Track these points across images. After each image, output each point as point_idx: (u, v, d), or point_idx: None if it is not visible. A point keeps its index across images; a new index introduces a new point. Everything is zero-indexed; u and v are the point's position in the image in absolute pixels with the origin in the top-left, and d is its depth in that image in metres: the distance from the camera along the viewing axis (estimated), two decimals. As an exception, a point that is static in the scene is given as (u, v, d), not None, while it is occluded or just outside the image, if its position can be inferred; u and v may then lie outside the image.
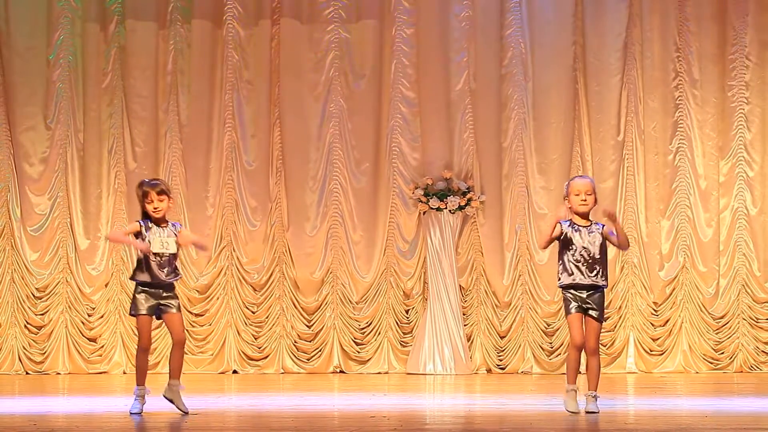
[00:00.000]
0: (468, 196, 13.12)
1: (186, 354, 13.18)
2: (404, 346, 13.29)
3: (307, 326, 13.34)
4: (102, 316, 13.27)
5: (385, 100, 13.43)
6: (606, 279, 8.72)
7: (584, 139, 13.33)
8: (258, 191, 13.42)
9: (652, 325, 13.24)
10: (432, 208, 13.11)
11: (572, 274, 8.66)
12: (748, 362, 13.16)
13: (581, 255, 8.66)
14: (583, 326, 8.68)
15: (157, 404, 9.13)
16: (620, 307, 13.23)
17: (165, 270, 8.73)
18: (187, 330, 13.26)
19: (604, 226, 8.74)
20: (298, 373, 13.21)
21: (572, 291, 8.67)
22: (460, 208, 13.11)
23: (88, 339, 13.23)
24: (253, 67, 13.44)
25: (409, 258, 13.36)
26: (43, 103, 13.34)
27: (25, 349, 13.20)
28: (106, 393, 10.90)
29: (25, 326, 13.23)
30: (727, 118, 13.32)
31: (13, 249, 13.26)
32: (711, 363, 13.17)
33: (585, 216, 8.72)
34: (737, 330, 13.20)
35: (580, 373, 8.78)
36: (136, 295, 8.77)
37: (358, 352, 13.31)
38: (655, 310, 13.26)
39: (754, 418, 8.36)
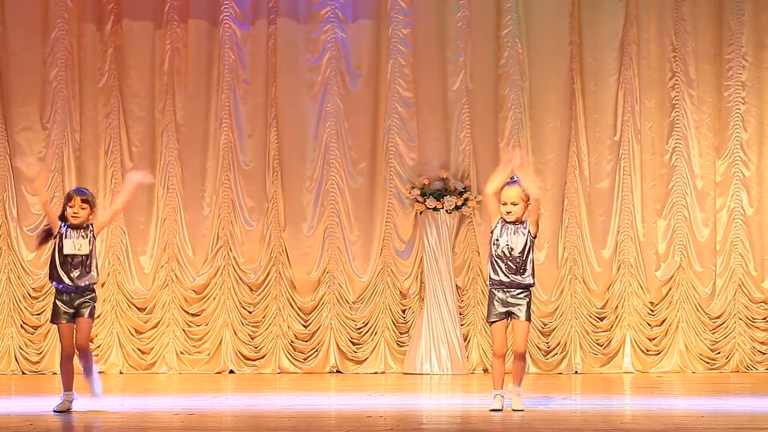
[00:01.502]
0: (465, 195, 13.12)
1: (183, 354, 13.26)
2: (401, 346, 13.29)
3: (304, 326, 13.34)
4: (98, 317, 13.24)
5: (381, 100, 13.43)
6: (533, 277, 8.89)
7: (581, 139, 13.33)
8: (255, 191, 13.42)
9: (649, 324, 13.25)
10: (429, 208, 13.11)
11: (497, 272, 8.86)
12: (745, 362, 13.17)
13: (503, 252, 8.79)
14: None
15: (156, 404, 9.15)
16: (617, 307, 13.24)
17: (78, 271, 8.98)
18: (184, 330, 13.28)
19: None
20: (295, 373, 13.21)
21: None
22: (457, 207, 13.12)
23: (84, 339, 13.20)
24: (250, 66, 13.44)
25: (406, 258, 13.37)
26: (39, 102, 13.33)
27: (21, 348, 13.20)
28: (102, 393, 10.86)
29: (22, 326, 13.22)
30: (724, 118, 13.33)
31: (9, 249, 13.25)
32: (707, 363, 13.18)
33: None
34: (734, 330, 13.21)
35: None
36: (56, 302, 9.06)
37: (355, 352, 13.31)
38: (651, 310, 13.27)
39: (750, 417, 8.36)
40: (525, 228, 8.88)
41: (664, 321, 13.26)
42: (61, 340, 9.18)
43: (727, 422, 8.03)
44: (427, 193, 13.12)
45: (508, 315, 8.85)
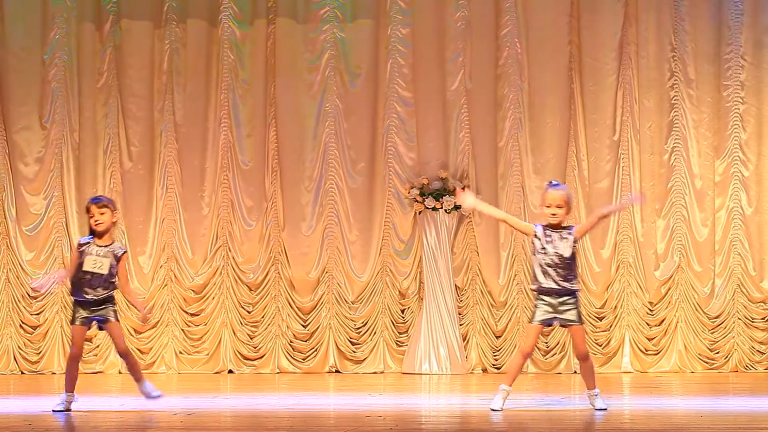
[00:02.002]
0: (464, 195, 13.10)
1: (182, 353, 13.26)
2: (400, 346, 13.29)
3: (303, 326, 13.34)
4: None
5: (380, 100, 13.43)
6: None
7: (580, 139, 13.33)
8: (254, 191, 13.42)
9: (648, 324, 13.25)
10: (428, 208, 13.11)
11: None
12: (744, 362, 13.17)
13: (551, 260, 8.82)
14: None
15: (155, 404, 9.14)
16: (616, 307, 13.24)
17: (97, 286, 8.95)
18: (183, 330, 13.29)
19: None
20: (294, 372, 13.20)
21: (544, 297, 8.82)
22: (456, 207, 13.11)
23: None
24: (249, 66, 13.44)
25: (405, 258, 13.36)
26: (38, 102, 13.34)
27: (20, 348, 13.20)
28: (101, 393, 10.89)
29: (21, 326, 13.22)
30: (723, 118, 13.33)
31: (9, 249, 13.25)
32: (706, 362, 13.18)
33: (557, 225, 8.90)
34: (732, 330, 13.20)
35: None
36: (74, 306, 9.05)
37: (354, 352, 13.30)
38: (650, 310, 13.27)
39: (749, 417, 8.36)
40: (570, 233, 8.85)
41: (663, 321, 13.26)
42: (71, 341, 9.18)
43: (726, 422, 8.03)
44: (426, 193, 13.12)
45: (551, 321, 8.83)
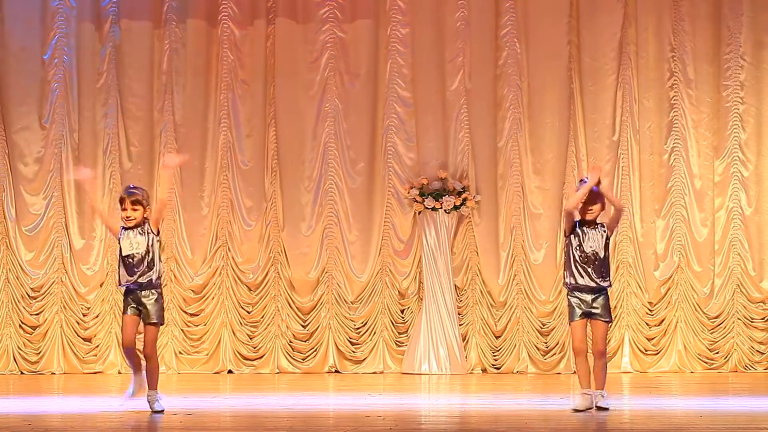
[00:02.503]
0: (463, 196, 13.12)
1: (181, 354, 13.25)
2: (399, 346, 13.28)
3: (303, 326, 13.34)
4: (97, 316, 13.26)
5: (380, 100, 13.43)
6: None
7: (579, 139, 13.33)
8: (253, 191, 13.42)
9: (647, 324, 13.25)
10: (427, 208, 13.11)
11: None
12: (743, 362, 13.17)
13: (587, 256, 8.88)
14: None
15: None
16: (615, 307, 13.23)
17: (138, 270, 8.91)
18: (182, 330, 13.28)
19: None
20: (294, 372, 13.20)
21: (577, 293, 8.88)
22: (456, 207, 13.11)
23: (83, 339, 13.22)
24: (249, 66, 13.44)
25: (405, 258, 13.36)
26: (37, 102, 13.33)
27: (20, 349, 13.19)
28: (101, 393, 10.89)
29: (20, 326, 13.22)
30: (722, 118, 13.33)
31: (8, 249, 13.25)
32: (706, 362, 13.18)
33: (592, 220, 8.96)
34: (732, 330, 13.21)
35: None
36: (124, 297, 9.04)
37: (354, 352, 13.30)
38: (650, 310, 13.27)
39: (749, 417, 8.36)
40: (603, 229, 8.92)
41: (662, 321, 13.26)
42: (122, 331, 9.12)
43: (726, 422, 8.03)
44: (425, 193, 13.12)
45: (588, 315, 8.87)
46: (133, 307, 8.93)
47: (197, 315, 13.32)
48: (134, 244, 8.91)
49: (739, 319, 13.20)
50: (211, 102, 13.41)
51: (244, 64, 13.43)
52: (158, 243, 9.00)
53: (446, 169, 13.26)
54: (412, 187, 13.20)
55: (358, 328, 13.32)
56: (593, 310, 8.87)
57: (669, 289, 13.26)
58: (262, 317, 13.32)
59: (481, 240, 13.30)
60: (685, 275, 13.25)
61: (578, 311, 8.86)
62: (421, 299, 13.19)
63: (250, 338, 13.29)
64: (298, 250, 13.37)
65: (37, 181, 13.33)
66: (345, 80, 13.44)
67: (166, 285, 13.31)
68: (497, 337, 13.27)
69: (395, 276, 13.36)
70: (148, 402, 8.87)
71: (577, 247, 8.91)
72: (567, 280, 8.95)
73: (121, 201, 9.01)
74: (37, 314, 13.23)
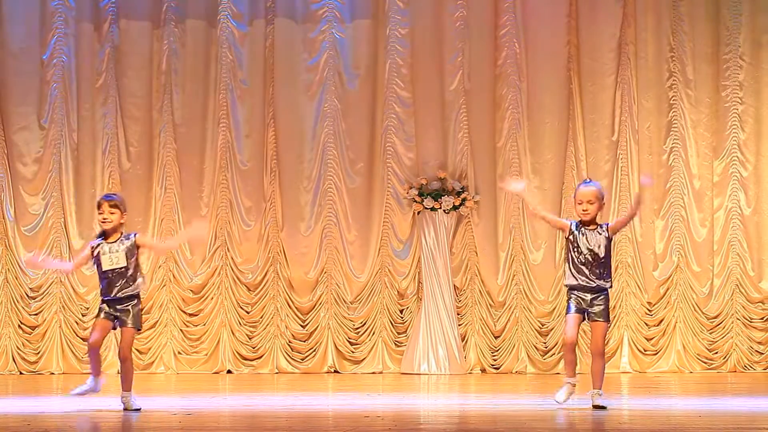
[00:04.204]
0: (462, 196, 13.12)
1: (180, 354, 13.25)
2: (398, 346, 13.29)
3: (302, 326, 13.34)
4: (96, 317, 13.24)
5: (379, 100, 13.43)
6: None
7: (578, 139, 13.34)
8: (252, 191, 13.42)
9: (646, 324, 13.26)
10: (426, 208, 13.11)
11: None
12: (742, 362, 13.17)
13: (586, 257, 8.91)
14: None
15: (154, 404, 9.13)
16: (614, 307, 13.23)
17: (118, 285, 8.93)
18: (181, 330, 13.28)
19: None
20: (293, 373, 13.21)
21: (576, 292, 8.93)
22: (455, 208, 13.12)
23: (82, 339, 13.22)
24: (248, 66, 13.44)
25: (404, 258, 13.37)
26: (37, 102, 13.34)
27: (18, 349, 13.19)
28: (100, 393, 10.87)
29: (19, 326, 13.22)
30: (721, 118, 13.34)
31: (7, 249, 13.25)
32: (705, 363, 13.18)
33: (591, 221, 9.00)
34: (731, 330, 13.21)
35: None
36: (101, 303, 9.07)
37: (353, 352, 13.30)
38: (649, 310, 13.27)
39: (748, 417, 8.37)
40: (603, 230, 8.94)
41: (661, 321, 13.27)
42: (91, 331, 9.12)
43: (725, 422, 8.03)
44: (424, 193, 13.13)
45: (585, 314, 8.94)
46: (107, 312, 8.98)
47: (196, 315, 13.32)
48: (113, 258, 8.93)
49: (738, 319, 13.21)
50: (210, 102, 13.41)
51: (244, 65, 13.43)
52: (137, 250, 8.97)
53: (445, 169, 13.27)
54: (411, 187, 13.21)
55: (357, 328, 13.32)
56: (591, 310, 8.90)
57: (668, 289, 13.27)
58: (261, 317, 13.32)
59: (480, 240, 13.30)
60: (684, 275, 13.25)
61: (573, 307, 8.93)
62: (420, 299, 13.19)
63: (249, 338, 13.29)
64: (297, 250, 13.37)
65: (36, 181, 13.33)
66: (344, 80, 13.45)
67: (165, 285, 13.32)
68: (496, 337, 13.27)
69: (394, 276, 13.36)
70: (123, 403, 8.91)
71: (575, 248, 8.94)
72: (565, 281, 9.01)
73: (99, 205, 9.07)
74: (36, 314, 13.23)
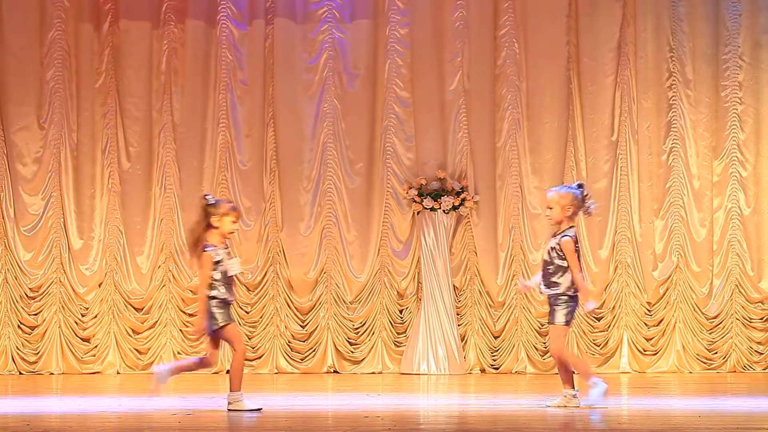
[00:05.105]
0: (462, 196, 13.12)
1: (180, 354, 13.25)
2: (398, 346, 13.29)
3: (301, 326, 13.34)
4: (95, 317, 13.26)
5: (379, 100, 13.43)
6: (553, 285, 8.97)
7: (578, 139, 13.34)
8: (252, 191, 13.42)
9: (646, 325, 13.25)
10: (426, 208, 13.11)
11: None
12: (742, 362, 13.17)
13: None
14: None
15: (154, 404, 9.13)
16: (614, 307, 13.24)
17: (233, 290, 8.98)
18: (181, 330, 13.29)
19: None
20: (292, 373, 13.20)
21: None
22: (454, 208, 13.12)
23: (81, 339, 13.22)
24: (247, 66, 13.44)
25: (403, 258, 13.36)
26: (36, 102, 13.33)
27: (18, 349, 13.19)
28: (99, 393, 10.88)
29: (19, 326, 13.21)
30: (721, 118, 13.34)
31: (7, 249, 13.25)
32: (704, 363, 13.18)
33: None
34: (731, 330, 13.21)
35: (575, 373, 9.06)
36: (216, 307, 8.83)
37: (352, 352, 13.30)
38: (648, 310, 13.27)
39: (747, 417, 8.37)
40: (558, 241, 8.94)
41: (661, 321, 13.26)
42: (236, 339, 8.92)
43: (724, 422, 8.03)
44: (424, 193, 13.12)
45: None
46: (230, 315, 8.93)
47: (196, 315, 13.30)
48: (235, 266, 8.91)
49: (737, 319, 13.21)
50: (209, 102, 13.41)
51: (243, 65, 13.43)
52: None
53: (445, 169, 13.26)
54: (410, 187, 13.21)
55: (356, 329, 13.32)
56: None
57: (668, 289, 13.27)
58: (261, 317, 13.32)
59: (480, 240, 13.30)
60: (683, 275, 13.25)
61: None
62: (420, 299, 13.19)
63: (249, 338, 13.28)
64: (297, 250, 13.37)
65: (36, 181, 13.33)
66: (344, 80, 13.45)
67: (165, 285, 13.32)
68: (496, 338, 13.27)
69: (394, 276, 13.36)
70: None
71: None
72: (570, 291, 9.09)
73: (232, 212, 8.94)
74: (35, 314, 13.23)
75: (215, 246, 8.83)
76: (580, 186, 9.14)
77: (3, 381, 12.41)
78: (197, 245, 8.86)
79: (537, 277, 9.11)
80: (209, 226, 8.87)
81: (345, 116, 13.43)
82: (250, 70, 13.43)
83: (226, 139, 13.39)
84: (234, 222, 8.94)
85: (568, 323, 8.93)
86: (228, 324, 8.83)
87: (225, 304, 8.84)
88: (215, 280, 8.81)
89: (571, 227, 8.98)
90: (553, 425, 7.93)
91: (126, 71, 13.38)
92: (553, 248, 8.93)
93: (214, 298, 8.83)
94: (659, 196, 13.33)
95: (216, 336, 8.84)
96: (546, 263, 8.96)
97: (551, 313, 8.97)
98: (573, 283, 8.87)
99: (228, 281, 8.85)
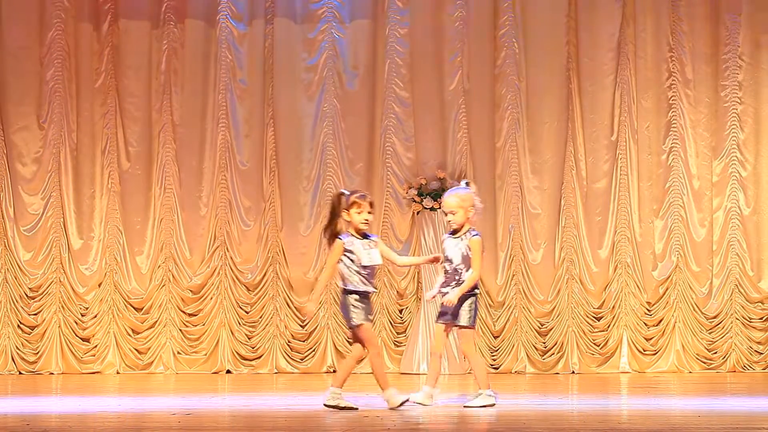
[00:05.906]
0: (462, 195, 13.10)
1: (180, 354, 13.25)
2: (398, 346, 13.29)
3: (301, 326, 13.34)
4: (95, 316, 13.26)
5: (378, 100, 13.43)
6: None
7: (578, 139, 13.34)
8: (251, 191, 13.42)
9: (646, 324, 13.26)
10: (426, 208, 13.11)
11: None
12: (741, 362, 13.17)
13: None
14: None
15: (153, 404, 9.13)
16: (614, 307, 13.24)
17: (373, 281, 8.97)
18: (181, 330, 13.28)
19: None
20: (292, 372, 13.21)
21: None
22: (454, 208, 13.09)
23: (81, 339, 13.23)
24: (247, 66, 13.44)
25: (403, 258, 13.36)
26: (36, 102, 13.34)
27: (18, 349, 13.19)
28: (99, 393, 10.89)
29: (18, 326, 13.22)
30: (721, 118, 13.34)
31: (6, 249, 13.25)
32: (704, 363, 13.18)
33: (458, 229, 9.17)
34: (730, 330, 13.21)
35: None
36: (354, 304, 8.90)
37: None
38: (648, 310, 13.27)
39: (747, 417, 8.37)
40: (465, 237, 9.10)
41: (660, 321, 13.27)
42: (371, 338, 9.00)
43: (724, 422, 8.03)
44: (424, 193, 13.13)
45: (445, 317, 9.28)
46: (370, 314, 8.98)
47: (195, 315, 13.32)
48: (371, 256, 8.89)
49: (737, 319, 13.21)
50: (209, 102, 13.41)
51: (243, 64, 13.43)
52: None
53: (444, 169, 13.27)
54: (410, 187, 13.21)
55: (356, 328, 13.30)
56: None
57: (667, 289, 13.27)
58: (261, 317, 13.32)
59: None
60: (683, 275, 13.25)
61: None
62: (420, 299, 13.19)
63: (249, 338, 13.29)
64: (297, 250, 13.38)
65: (36, 181, 13.33)
66: (343, 80, 13.45)
67: (164, 285, 13.33)
68: (495, 337, 13.27)
69: (393, 276, 13.36)
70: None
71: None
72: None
73: (360, 202, 8.88)
74: (35, 314, 13.23)
75: (350, 235, 8.89)
76: (468, 184, 9.22)
77: (3, 381, 12.41)
78: (333, 237, 8.90)
79: (439, 283, 9.20)
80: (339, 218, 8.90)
81: (345, 116, 13.43)
82: (249, 70, 13.43)
83: (225, 139, 13.39)
84: (360, 213, 8.86)
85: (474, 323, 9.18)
86: (363, 324, 8.90)
87: (363, 297, 8.87)
88: (351, 270, 8.86)
89: (473, 228, 9.10)
90: (554, 425, 7.93)
91: (126, 71, 13.38)
92: (457, 249, 9.00)
93: (352, 292, 8.87)
94: (659, 196, 13.33)
95: (353, 331, 8.96)
96: (451, 266, 9.11)
97: (455, 314, 9.13)
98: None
99: (363, 272, 8.84)
